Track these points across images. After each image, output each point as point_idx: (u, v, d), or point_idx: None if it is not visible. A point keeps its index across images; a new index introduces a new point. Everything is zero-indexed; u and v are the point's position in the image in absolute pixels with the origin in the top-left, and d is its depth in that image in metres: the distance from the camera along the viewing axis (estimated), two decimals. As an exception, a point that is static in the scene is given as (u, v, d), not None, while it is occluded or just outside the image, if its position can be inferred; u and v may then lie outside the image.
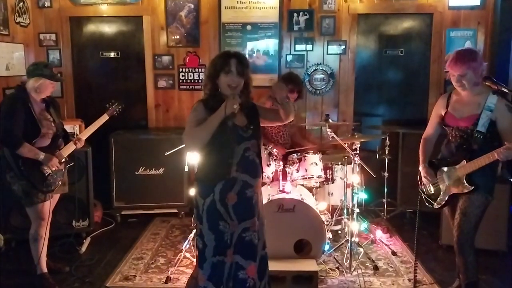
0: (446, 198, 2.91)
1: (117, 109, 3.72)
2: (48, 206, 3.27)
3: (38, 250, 3.27)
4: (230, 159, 2.39)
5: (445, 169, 2.90)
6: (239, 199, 2.42)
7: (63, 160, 3.32)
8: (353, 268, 3.55)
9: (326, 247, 3.63)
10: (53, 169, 3.21)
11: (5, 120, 3.05)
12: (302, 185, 3.98)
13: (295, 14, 4.98)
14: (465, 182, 2.76)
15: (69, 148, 3.39)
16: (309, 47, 5.04)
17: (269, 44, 5.04)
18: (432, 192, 3.00)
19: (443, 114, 2.94)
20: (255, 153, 2.49)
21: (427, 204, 3.06)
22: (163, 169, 4.67)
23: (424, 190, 3.07)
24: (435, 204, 2.99)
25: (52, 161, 3.18)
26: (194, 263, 3.65)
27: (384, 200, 4.74)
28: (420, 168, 3.04)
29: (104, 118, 3.61)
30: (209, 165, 2.45)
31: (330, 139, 3.78)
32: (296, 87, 4.23)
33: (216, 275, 2.41)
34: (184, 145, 2.55)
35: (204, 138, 2.35)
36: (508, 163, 3.57)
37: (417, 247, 3.15)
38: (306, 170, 3.84)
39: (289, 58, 5.07)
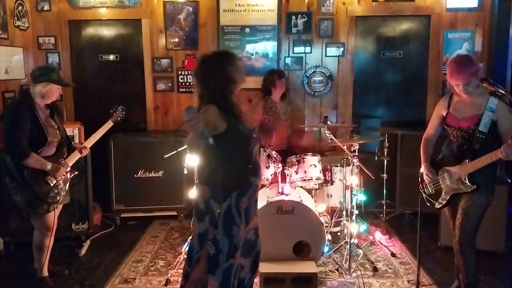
0: (448, 198, 2.92)
1: (121, 115, 3.67)
2: (53, 216, 3.18)
3: (42, 260, 3.23)
4: (250, 165, 2.41)
5: (447, 168, 2.91)
6: (249, 203, 2.45)
7: (68, 169, 3.24)
8: (352, 270, 3.55)
9: (325, 248, 3.64)
10: (59, 179, 3.12)
11: (11, 129, 2.92)
12: (301, 187, 3.99)
13: (293, 17, 4.99)
14: (467, 181, 2.78)
15: (74, 157, 3.31)
16: (307, 49, 5.05)
17: (268, 46, 5.05)
18: (433, 192, 3.01)
19: (444, 115, 2.96)
20: (258, 155, 2.54)
21: (428, 204, 3.07)
22: (162, 171, 4.67)
23: (425, 190, 3.08)
24: (437, 203, 3.01)
25: (59, 171, 3.08)
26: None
27: (383, 202, 4.73)
28: (422, 167, 3.06)
29: (109, 124, 3.56)
30: (229, 171, 2.37)
31: (329, 141, 3.79)
32: (282, 73, 4.48)
33: (227, 281, 2.41)
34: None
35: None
36: (506, 165, 3.59)
37: (419, 248, 3.15)
38: (305, 172, 3.84)
39: (288, 60, 5.08)
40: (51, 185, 3.09)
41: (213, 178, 2.39)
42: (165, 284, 3.40)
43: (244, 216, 2.43)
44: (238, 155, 2.40)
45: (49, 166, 3.03)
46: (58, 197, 3.17)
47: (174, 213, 4.80)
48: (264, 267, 3.23)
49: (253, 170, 2.44)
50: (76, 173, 3.44)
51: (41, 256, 3.23)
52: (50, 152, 3.11)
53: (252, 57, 5.05)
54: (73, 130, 4.55)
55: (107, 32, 5.21)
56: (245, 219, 2.44)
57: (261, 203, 3.55)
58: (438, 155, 3.06)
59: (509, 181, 3.76)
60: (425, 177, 3.04)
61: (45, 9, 5.03)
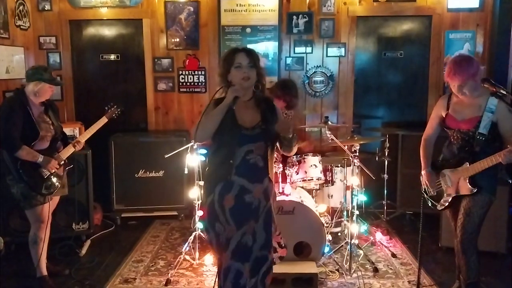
0: (450, 200, 2.91)
1: (116, 112, 3.72)
2: (47, 208, 3.26)
3: (38, 253, 3.27)
4: (231, 160, 2.34)
5: (448, 171, 2.90)
6: (236, 203, 2.36)
7: (62, 162, 3.33)
8: (353, 270, 3.54)
9: (326, 249, 3.63)
10: (52, 171, 3.21)
11: (4, 123, 3.06)
12: (302, 187, 3.98)
13: (294, 17, 4.99)
14: (468, 184, 2.77)
15: (68, 151, 3.39)
16: (308, 49, 5.05)
17: (269, 46, 5.05)
18: (435, 194, 3.01)
19: (443, 116, 2.95)
20: (259, 156, 2.39)
21: (430, 206, 3.06)
22: (163, 171, 4.67)
23: (427, 192, 3.07)
24: (439, 205, 2.99)
25: (50, 163, 3.18)
26: (194, 265, 3.66)
27: (384, 202, 4.73)
28: (422, 173, 3.04)
29: (103, 120, 3.61)
30: (213, 164, 2.45)
31: (330, 141, 3.78)
32: (283, 94, 3.98)
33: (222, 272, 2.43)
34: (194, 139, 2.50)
35: (208, 128, 2.29)
36: (507, 165, 3.58)
37: (420, 249, 3.14)
38: (306, 172, 3.84)
39: (289, 60, 5.08)
40: (45, 177, 3.19)
41: (206, 171, 2.51)
42: (166, 284, 3.39)
43: (231, 217, 2.35)
44: (219, 148, 2.39)
45: (40, 158, 3.13)
46: (52, 189, 3.27)
47: (175, 213, 4.80)
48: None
49: (239, 169, 2.35)
50: (71, 166, 3.50)
51: (36, 249, 3.27)
52: (43, 146, 3.22)
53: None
54: (74, 130, 4.55)
55: (108, 32, 5.21)
56: (234, 221, 2.35)
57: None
58: (439, 156, 3.05)
59: (510, 181, 3.74)
60: (423, 183, 3.04)
61: (46, 8, 5.03)
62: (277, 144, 2.56)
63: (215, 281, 2.58)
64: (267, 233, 2.46)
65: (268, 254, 2.48)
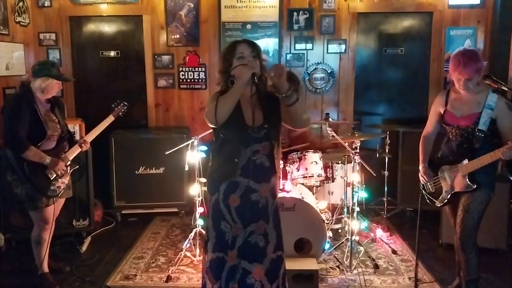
0: (448, 197, 2.91)
1: (123, 110, 3.65)
2: (52, 210, 3.20)
3: (41, 253, 3.23)
4: (236, 159, 2.29)
5: (447, 167, 2.90)
6: (242, 202, 2.33)
7: (68, 163, 3.25)
8: (353, 267, 3.55)
9: (327, 246, 3.64)
10: (59, 173, 3.13)
11: (10, 122, 2.95)
12: (302, 184, 3.98)
13: (295, 13, 4.98)
14: (467, 180, 2.77)
15: (75, 151, 3.32)
16: (309, 46, 5.04)
17: (269, 43, 5.04)
18: (433, 190, 3.01)
19: (442, 112, 2.94)
20: (265, 156, 2.35)
21: (429, 202, 3.06)
22: (163, 168, 4.68)
23: (425, 188, 3.07)
24: (437, 202, 3.00)
25: (58, 165, 3.10)
26: (195, 262, 3.67)
27: (384, 199, 4.74)
28: (420, 167, 3.04)
29: (110, 119, 3.55)
30: (217, 162, 2.40)
31: (330, 138, 3.78)
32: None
33: (213, 270, 2.37)
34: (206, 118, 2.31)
35: (228, 106, 2.18)
36: (508, 162, 3.58)
37: (418, 245, 3.15)
38: (306, 169, 3.84)
39: (289, 57, 5.07)
40: (51, 178, 3.11)
41: (209, 168, 2.45)
42: (166, 281, 3.40)
43: (237, 215, 2.33)
44: (224, 146, 2.33)
45: (48, 159, 3.05)
46: (58, 191, 3.19)
47: (175, 209, 4.81)
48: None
49: (244, 170, 2.29)
50: (76, 167, 3.45)
51: (40, 250, 3.23)
52: (50, 146, 3.13)
53: (253, 53, 5.02)
54: (74, 127, 4.54)
55: (108, 28, 5.20)
56: (240, 219, 2.33)
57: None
58: (437, 153, 3.05)
59: (511, 178, 3.74)
60: (420, 178, 3.04)
61: (46, 5, 5.01)
62: (287, 123, 2.39)
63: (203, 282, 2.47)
64: (277, 232, 2.43)
65: (282, 253, 2.46)
